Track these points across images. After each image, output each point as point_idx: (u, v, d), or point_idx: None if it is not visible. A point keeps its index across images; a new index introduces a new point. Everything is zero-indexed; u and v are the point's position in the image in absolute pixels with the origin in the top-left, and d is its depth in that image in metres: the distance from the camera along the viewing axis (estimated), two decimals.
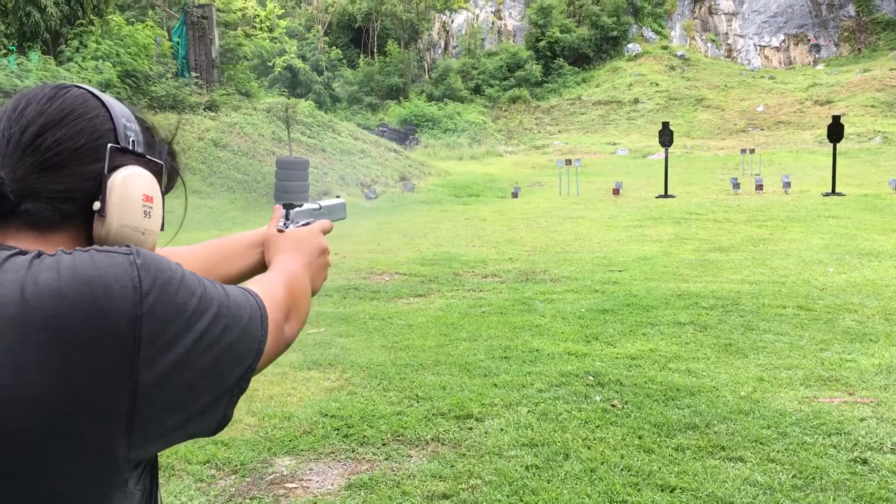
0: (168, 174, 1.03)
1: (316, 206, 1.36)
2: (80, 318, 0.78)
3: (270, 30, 36.36)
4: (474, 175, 23.35)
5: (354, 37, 48.87)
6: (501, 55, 46.77)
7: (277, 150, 18.14)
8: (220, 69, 20.99)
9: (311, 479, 3.81)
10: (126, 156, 0.92)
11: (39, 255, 0.82)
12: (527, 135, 40.73)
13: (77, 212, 0.89)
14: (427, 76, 47.06)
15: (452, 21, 50.97)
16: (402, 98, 42.84)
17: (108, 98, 0.94)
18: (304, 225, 1.28)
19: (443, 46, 52.51)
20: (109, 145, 0.91)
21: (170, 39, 20.46)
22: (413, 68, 47.06)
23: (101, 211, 0.89)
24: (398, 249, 10.94)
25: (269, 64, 36.79)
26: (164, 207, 0.99)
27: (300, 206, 1.32)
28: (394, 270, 9.29)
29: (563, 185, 19.58)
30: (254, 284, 1.04)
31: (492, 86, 45.01)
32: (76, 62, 15.37)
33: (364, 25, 46.96)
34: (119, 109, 0.93)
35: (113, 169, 0.90)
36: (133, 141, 0.94)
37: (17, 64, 14.07)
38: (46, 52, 16.21)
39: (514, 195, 18.73)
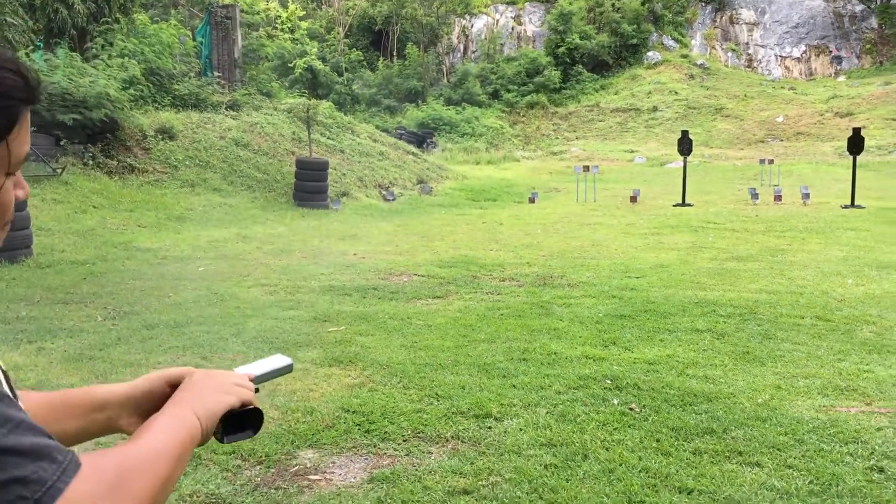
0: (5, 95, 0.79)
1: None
2: None
3: (292, 31, 36.65)
4: (491, 179, 23.42)
5: (374, 39, 49.07)
6: (520, 60, 46.82)
7: (297, 150, 18.29)
8: (242, 69, 21.18)
9: (334, 472, 3.89)
10: None
11: None
12: (544, 140, 40.76)
13: None
14: (445, 80, 47.19)
15: (472, 25, 51.09)
16: (420, 101, 42.97)
17: None
18: None
19: (462, 51, 52.61)
20: None
21: (193, 39, 20.67)
22: (432, 72, 47.19)
23: None
24: (416, 251, 11.02)
25: (289, 65, 37.03)
26: (9, 150, 0.79)
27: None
28: (412, 272, 9.37)
29: (581, 191, 19.61)
30: (95, 459, 0.83)
31: (510, 91, 45.07)
32: (102, 59, 15.57)
33: (384, 28, 47.16)
34: None
35: None
36: None
37: (45, 60, 14.26)
38: (73, 48, 16.42)
39: (531, 200, 18.78)
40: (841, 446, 4.11)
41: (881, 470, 3.84)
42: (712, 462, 3.94)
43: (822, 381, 5.21)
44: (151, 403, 1.06)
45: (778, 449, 4.09)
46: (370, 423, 4.46)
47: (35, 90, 0.85)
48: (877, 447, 4.09)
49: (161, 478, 0.85)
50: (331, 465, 3.97)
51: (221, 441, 1.01)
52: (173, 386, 1.05)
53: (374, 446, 4.17)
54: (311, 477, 3.83)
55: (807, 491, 3.61)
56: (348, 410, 4.63)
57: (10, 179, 0.86)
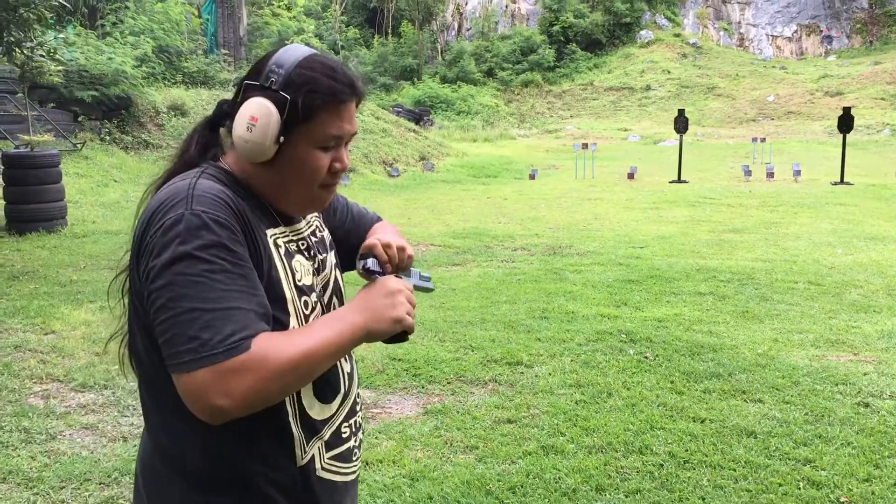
0: (300, 105, 1.24)
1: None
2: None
3: (289, 8, 36.82)
4: (490, 157, 23.90)
5: (369, 17, 49.22)
6: (515, 39, 47.07)
7: None
8: (247, 47, 21.52)
9: (391, 407, 4.45)
10: (263, 91, 1.24)
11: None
12: (539, 119, 41.17)
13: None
14: (440, 58, 47.43)
15: (466, 3, 51.25)
16: (415, 79, 43.27)
17: (293, 52, 1.27)
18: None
19: (456, 28, 52.79)
20: (244, 83, 1.27)
21: (199, 16, 20.98)
22: (426, 50, 47.42)
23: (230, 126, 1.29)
24: (428, 224, 11.55)
25: (286, 42, 37.25)
26: (276, 128, 1.24)
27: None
28: (428, 242, 9.91)
29: (579, 168, 20.14)
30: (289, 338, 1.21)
31: (504, 69, 45.35)
32: (115, 37, 15.93)
33: (379, 6, 47.34)
34: (279, 58, 1.26)
35: (246, 98, 1.26)
36: (272, 80, 1.24)
37: (61, 38, 14.62)
38: (83, 26, 16.76)
39: (532, 177, 19.29)
40: (832, 387, 4.70)
41: (867, 405, 4.43)
42: (720, 399, 4.53)
43: (815, 335, 5.80)
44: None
45: (777, 389, 4.68)
46: (416, 368, 5.02)
47: (341, 88, 1.28)
48: (863, 387, 4.69)
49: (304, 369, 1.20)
50: (387, 401, 4.54)
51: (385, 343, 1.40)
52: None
53: (423, 387, 4.74)
54: (373, 410, 4.40)
55: (803, 420, 4.20)
56: (395, 359, 5.19)
57: (320, 150, 1.29)
